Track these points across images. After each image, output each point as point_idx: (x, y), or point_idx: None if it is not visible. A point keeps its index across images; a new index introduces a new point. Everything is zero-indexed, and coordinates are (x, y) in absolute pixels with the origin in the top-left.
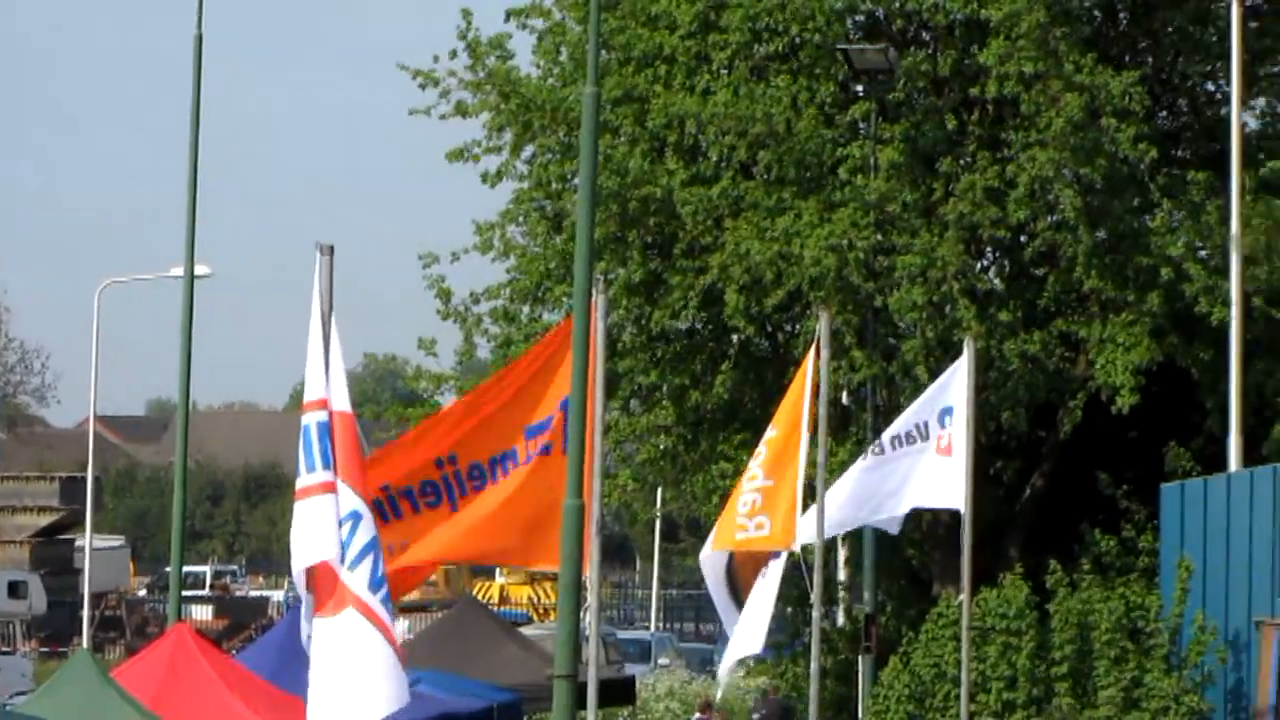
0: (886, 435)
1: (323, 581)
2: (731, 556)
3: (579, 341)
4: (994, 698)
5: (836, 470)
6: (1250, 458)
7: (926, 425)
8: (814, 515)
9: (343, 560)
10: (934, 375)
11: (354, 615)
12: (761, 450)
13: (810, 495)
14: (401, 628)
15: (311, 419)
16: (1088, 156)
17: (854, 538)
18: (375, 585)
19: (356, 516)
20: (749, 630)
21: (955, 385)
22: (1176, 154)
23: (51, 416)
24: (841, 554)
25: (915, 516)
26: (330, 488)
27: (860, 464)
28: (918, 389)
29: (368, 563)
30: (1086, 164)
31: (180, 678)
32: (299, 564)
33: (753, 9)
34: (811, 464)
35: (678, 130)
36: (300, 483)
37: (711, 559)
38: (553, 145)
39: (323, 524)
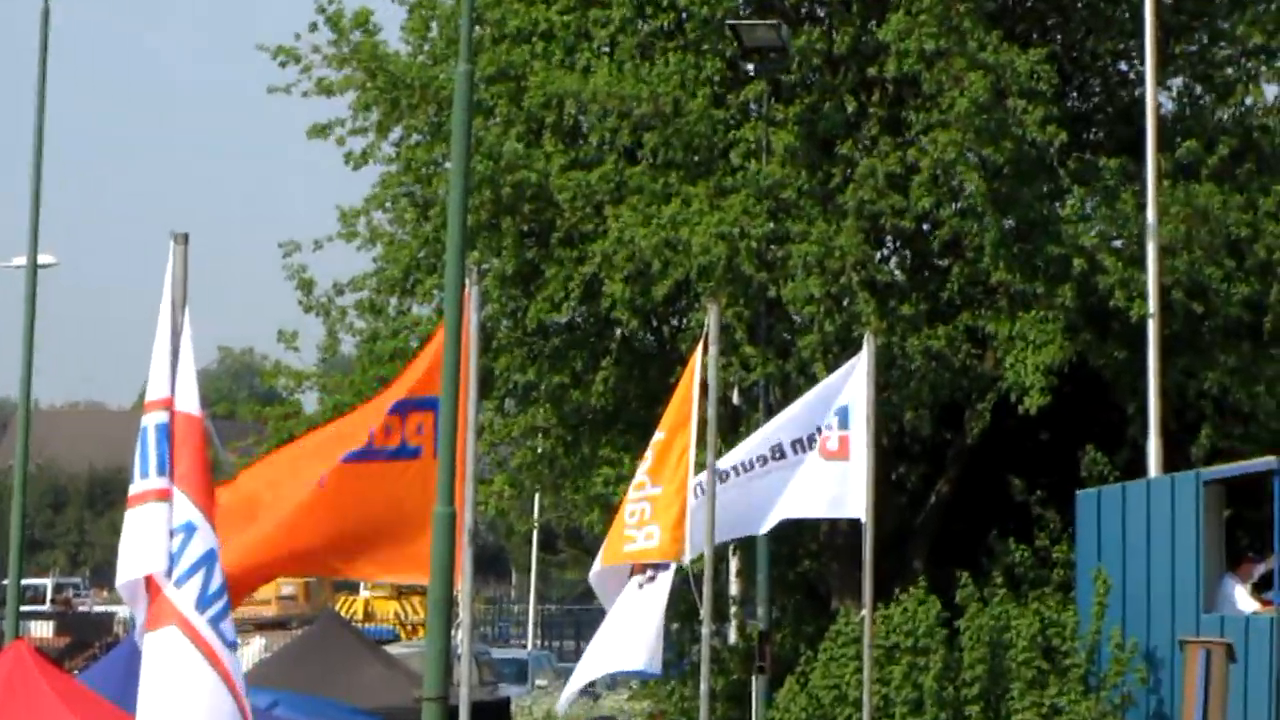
0: (785, 439)
1: (152, 595)
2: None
3: (450, 337)
4: None
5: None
6: (1173, 464)
7: (824, 427)
8: (703, 524)
9: (169, 574)
10: (832, 373)
11: (175, 634)
12: (649, 455)
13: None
14: (258, 645)
15: (151, 420)
16: (993, 139)
17: (746, 549)
18: (204, 603)
19: (190, 529)
20: (626, 646)
21: (854, 384)
22: (1088, 137)
23: None
24: (733, 566)
25: (813, 526)
26: (165, 495)
27: (756, 469)
28: (811, 383)
29: (197, 579)
30: (992, 147)
31: (18, 698)
32: (124, 576)
33: None
34: (700, 467)
35: (556, 111)
36: (133, 489)
37: (602, 574)
38: (421, 126)
39: (153, 534)
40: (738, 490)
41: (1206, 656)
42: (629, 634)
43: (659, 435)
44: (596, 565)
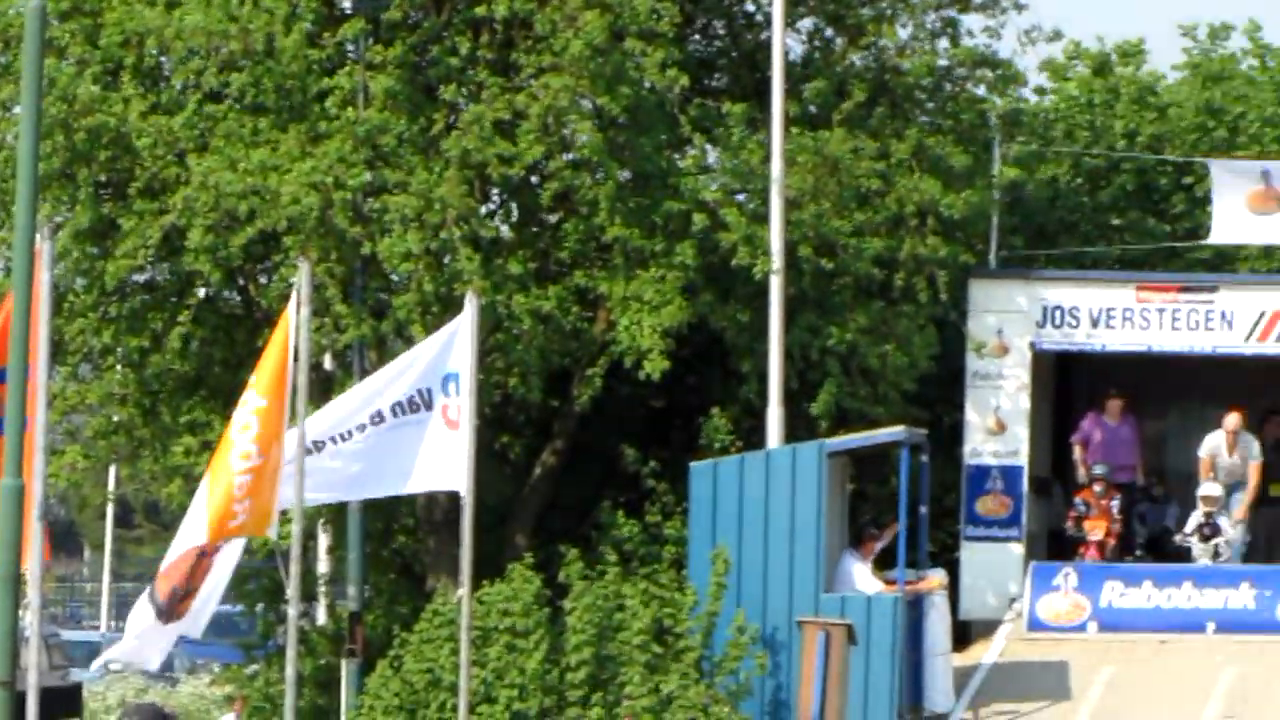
0: (386, 402)
1: None
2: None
3: (20, 298)
4: (501, 708)
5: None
6: (794, 432)
7: (430, 392)
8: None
9: None
10: (432, 335)
11: None
12: (252, 423)
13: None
14: None
15: None
16: (609, 85)
17: (338, 524)
18: None
19: None
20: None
21: (459, 347)
22: (711, 83)
23: None
24: (323, 542)
25: (409, 500)
26: None
27: (355, 436)
28: None
29: None
30: (607, 93)
31: None
32: None
33: None
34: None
35: (136, 50)
36: None
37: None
38: None
39: None
40: (334, 460)
41: (825, 638)
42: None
43: (261, 402)
44: (200, 539)
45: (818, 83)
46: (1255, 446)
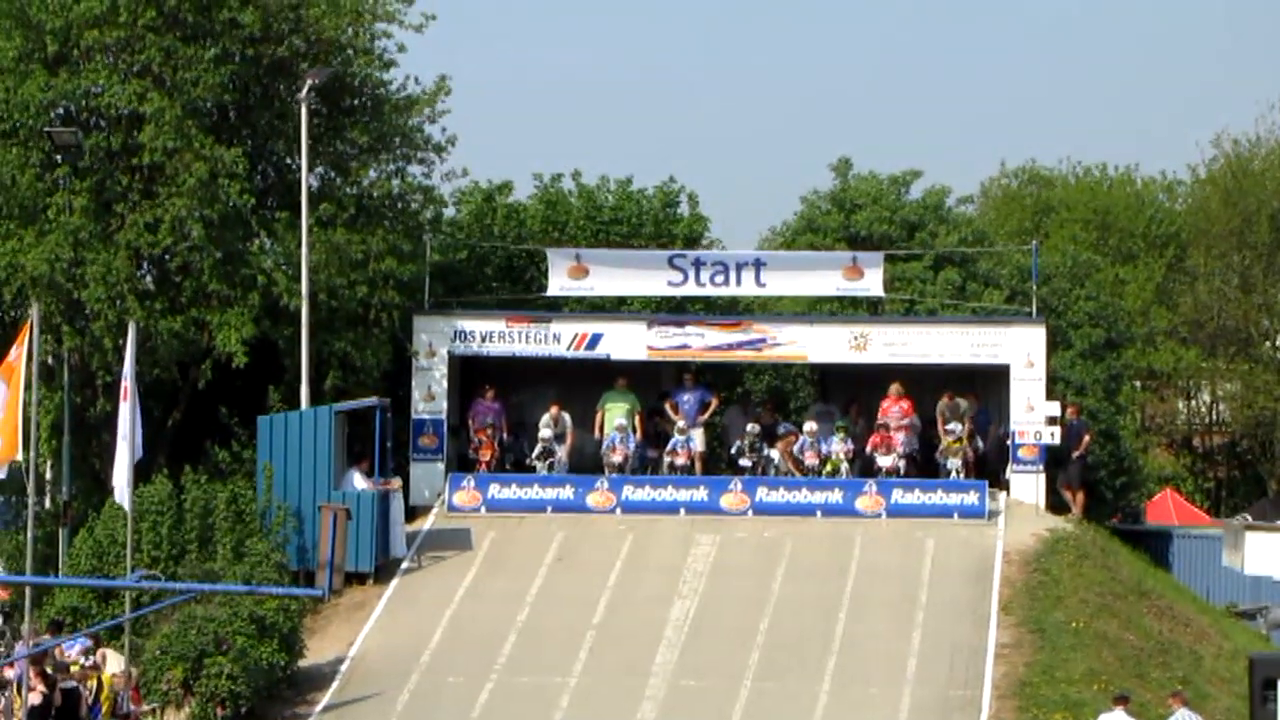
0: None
1: None
2: None
3: None
4: (145, 555)
5: (50, 409)
6: (316, 400)
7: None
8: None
9: None
10: (115, 344)
11: None
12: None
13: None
14: None
15: None
16: (210, 203)
17: (54, 448)
18: None
19: None
20: None
21: (127, 354)
22: (269, 202)
23: None
24: (50, 462)
25: (100, 436)
26: None
27: None
28: (103, 352)
29: None
30: (210, 208)
31: None
32: None
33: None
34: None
35: None
36: None
37: None
38: None
39: None
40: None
41: (334, 516)
42: None
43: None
44: None
45: (326, 204)
46: (566, 420)
